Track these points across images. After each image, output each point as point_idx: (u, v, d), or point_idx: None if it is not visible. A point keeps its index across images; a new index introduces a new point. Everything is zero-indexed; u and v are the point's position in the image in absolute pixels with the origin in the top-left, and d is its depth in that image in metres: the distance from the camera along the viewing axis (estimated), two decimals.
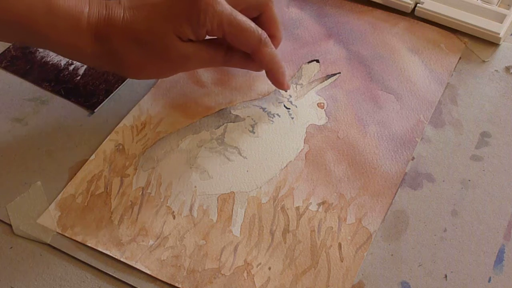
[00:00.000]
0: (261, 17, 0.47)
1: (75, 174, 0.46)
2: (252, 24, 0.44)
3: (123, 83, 0.52)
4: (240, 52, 0.47)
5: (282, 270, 0.41)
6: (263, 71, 0.48)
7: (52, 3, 0.43)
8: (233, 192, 0.45)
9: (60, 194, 0.45)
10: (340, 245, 0.42)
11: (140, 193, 0.45)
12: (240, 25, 0.44)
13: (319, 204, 0.44)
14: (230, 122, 0.49)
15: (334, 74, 0.52)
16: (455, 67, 0.53)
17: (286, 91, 0.51)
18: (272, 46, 0.46)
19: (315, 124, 0.49)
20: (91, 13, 0.44)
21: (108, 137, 0.48)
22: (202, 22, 0.43)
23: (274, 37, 0.47)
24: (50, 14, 0.43)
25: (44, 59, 0.54)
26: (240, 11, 0.44)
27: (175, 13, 0.43)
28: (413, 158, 0.47)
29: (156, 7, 0.43)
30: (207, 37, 0.45)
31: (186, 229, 0.43)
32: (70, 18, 0.43)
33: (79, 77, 0.53)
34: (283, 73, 0.47)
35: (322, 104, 0.50)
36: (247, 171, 0.46)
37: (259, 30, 0.45)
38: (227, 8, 0.43)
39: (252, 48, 0.45)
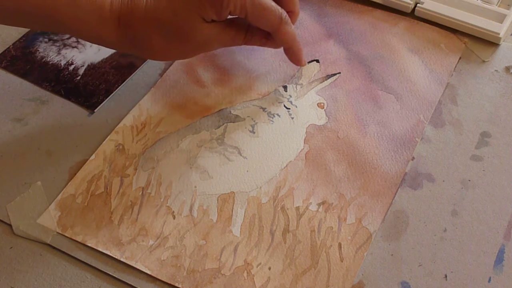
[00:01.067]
0: None
1: (75, 174, 0.46)
2: (273, 4, 0.45)
3: (123, 83, 0.52)
4: (259, 31, 0.47)
5: (282, 270, 0.41)
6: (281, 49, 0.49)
7: None
8: (233, 192, 0.45)
9: (60, 194, 0.45)
10: (340, 245, 0.42)
11: (140, 193, 0.45)
12: (262, 4, 0.44)
13: (319, 204, 0.44)
14: (230, 122, 0.49)
15: (334, 74, 0.52)
16: (455, 67, 0.53)
17: (302, 67, 0.52)
18: (292, 25, 0.47)
19: (315, 124, 0.49)
20: (114, 0, 0.44)
21: (108, 137, 0.48)
22: (226, 2, 0.43)
23: (292, 13, 0.48)
24: (73, 3, 0.43)
25: (44, 59, 0.54)
26: None
27: None
28: (413, 158, 0.46)
29: None
30: (229, 17, 0.45)
31: (186, 229, 0.43)
32: (93, 5, 0.43)
33: (79, 77, 0.53)
34: (301, 50, 0.49)
35: (322, 104, 0.50)
36: (247, 171, 0.46)
37: (280, 9, 0.45)
38: None
39: (273, 27, 0.46)
